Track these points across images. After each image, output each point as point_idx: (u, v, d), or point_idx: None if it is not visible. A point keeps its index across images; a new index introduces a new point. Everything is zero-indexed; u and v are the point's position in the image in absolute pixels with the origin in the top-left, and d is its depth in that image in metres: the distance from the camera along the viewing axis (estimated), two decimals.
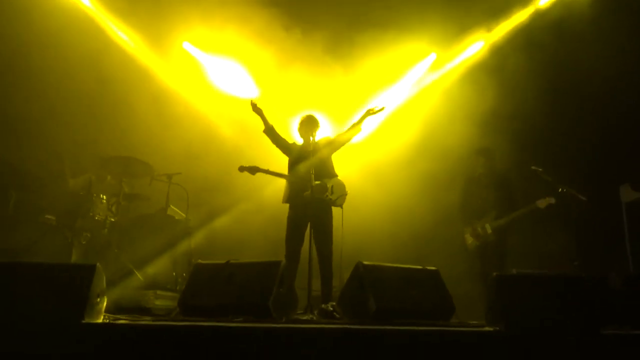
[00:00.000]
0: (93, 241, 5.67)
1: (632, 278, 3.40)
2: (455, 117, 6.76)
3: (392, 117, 7.51)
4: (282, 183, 5.27)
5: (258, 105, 5.24)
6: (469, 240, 5.78)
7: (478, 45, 7.44)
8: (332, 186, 5.00)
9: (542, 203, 5.45)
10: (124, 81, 6.95)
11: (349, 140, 5.28)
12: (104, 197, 5.93)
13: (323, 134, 5.44)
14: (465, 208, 5.91)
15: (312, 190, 4.65)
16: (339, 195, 5.00)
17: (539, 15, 7.09)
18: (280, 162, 5.36)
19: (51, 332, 2.54)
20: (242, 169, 5.10)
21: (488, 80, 6.90)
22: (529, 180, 5.77)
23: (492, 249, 5.61)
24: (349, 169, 5.92)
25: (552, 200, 5.41)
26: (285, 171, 5.18)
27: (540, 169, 5.44)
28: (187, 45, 7.56)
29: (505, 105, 6.68)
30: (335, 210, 5.02)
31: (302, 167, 4.89)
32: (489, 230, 5.62)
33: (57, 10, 6.63)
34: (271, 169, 5.18)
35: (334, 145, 5.24)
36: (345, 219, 5.02)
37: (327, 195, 4.90)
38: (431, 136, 6.90)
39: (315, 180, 4.73)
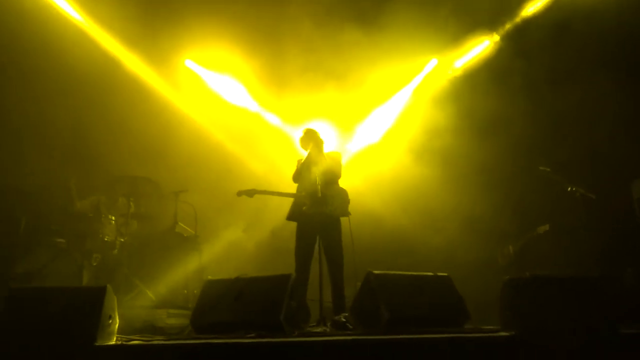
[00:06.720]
0: (103, 262, 5.69)
1: None
2: (459, 121, 6.74)
3: (396, 123, 7.51)
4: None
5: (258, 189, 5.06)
6: (499, 259, 6.69)
7: (480, 48, 7.43)
8: (330, 197, 4.83)
9: (541, 229, 6.21)
10: (130, 101, 7.03)
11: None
12: (113, 217, 5.96)
13: (332, 148, 5.41)
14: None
15: (309, 205, 4.62)
16: (337, 205, 4.83)
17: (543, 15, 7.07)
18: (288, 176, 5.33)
19: (64, 355, 2.53)
20: (240, 193, 4.99)
21: (491, 81, 6.89)
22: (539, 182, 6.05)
23: (515, 269, 6.32)
24: (354, 177, 5.89)
25: (547, 227, 6.15)
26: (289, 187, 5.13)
27: (549, 169, 5.41)
28: (189, 63, 7.64)
29: (510, 104, 6.66)
30: (343, 219, 4.95)
31: (306, 180, 4.86)
32: (511, 252, 6.50)
33: (64, 34, 6.76)
34: (274, 185, 5.10)
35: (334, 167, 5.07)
36: (354, 227, 4.93)
37: (327, 208, 4.76)
38: (437, 140, 6.87)
39: (322, 189, 4.69)
